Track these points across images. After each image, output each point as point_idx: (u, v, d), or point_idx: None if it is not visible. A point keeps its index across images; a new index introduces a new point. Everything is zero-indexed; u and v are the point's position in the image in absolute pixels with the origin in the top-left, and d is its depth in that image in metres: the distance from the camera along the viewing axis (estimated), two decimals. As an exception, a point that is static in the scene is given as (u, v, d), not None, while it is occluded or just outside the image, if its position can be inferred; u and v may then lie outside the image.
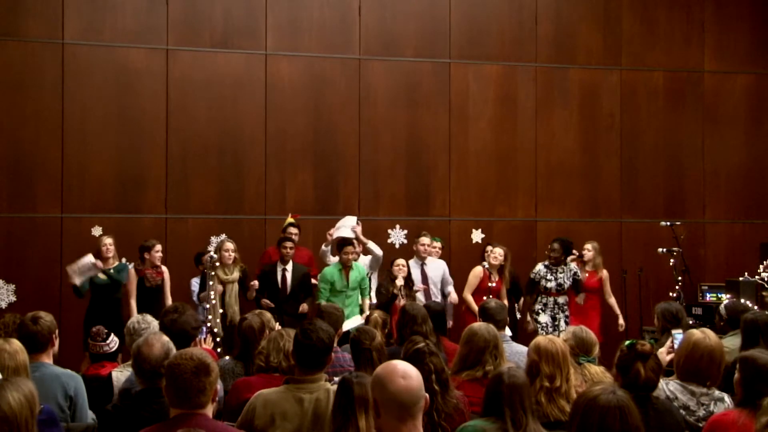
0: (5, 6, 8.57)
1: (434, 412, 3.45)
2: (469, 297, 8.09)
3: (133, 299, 7.67)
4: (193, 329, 4.22)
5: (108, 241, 7.63)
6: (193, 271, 8.35)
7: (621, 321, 8.42)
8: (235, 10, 9.12)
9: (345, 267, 7.71)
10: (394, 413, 2.64)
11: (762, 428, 2.97)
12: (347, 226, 8.04)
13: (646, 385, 3.54)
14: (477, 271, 8.14)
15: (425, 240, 8.28)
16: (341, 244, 7.82)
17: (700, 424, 3.68)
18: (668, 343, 4.22)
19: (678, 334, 4.30)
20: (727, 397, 3.87)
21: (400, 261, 7.80)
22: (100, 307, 7.47)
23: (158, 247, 7.76)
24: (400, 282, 7.64)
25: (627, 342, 3.68)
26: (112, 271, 7.56)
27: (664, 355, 4.00)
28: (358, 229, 8.03)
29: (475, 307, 7.80)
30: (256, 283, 7.82)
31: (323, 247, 8.21)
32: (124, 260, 8.09)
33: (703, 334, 3.93)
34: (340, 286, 7.65)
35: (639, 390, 3.50)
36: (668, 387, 3.80)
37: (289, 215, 8.49)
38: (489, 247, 8.32)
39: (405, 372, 2.70)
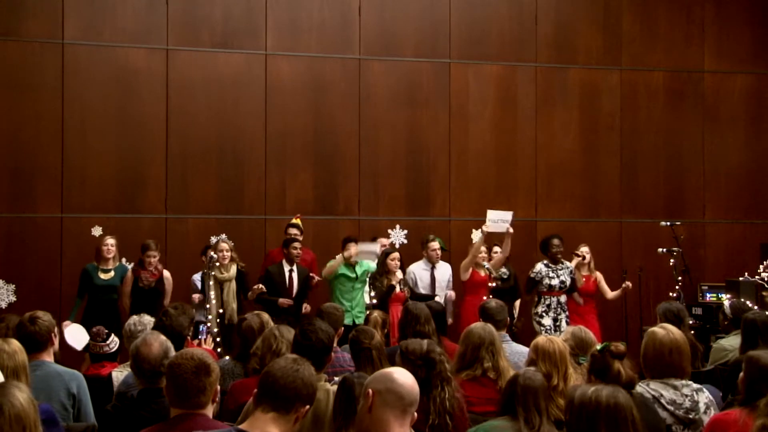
0: (5, 6, 8.57)
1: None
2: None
3: (126, 300, 7.51)
4: (187, 329, 4.23)
5: (110, 241, 7.57)
6: (194, 269, 8.32)
7: (627, 283, 8.11)
8: (235, 10, 9.12)
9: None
10: (392, 406, 2.64)
11: (759, 430, 2.97)
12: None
13: (630, 384, 3.49)
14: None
15: (436, 245, 8.24)
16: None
17: (690, 416, 3.67)
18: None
19: None
20: (704, 387, 3.86)
21: (396, 254, 7.78)
22: (98, 308, 7.42)
23: (151, 252, 7.54)
24: (399, 275, 7.64)
25: (600, 345, 3.65)
26: (113, 272, 7.54)
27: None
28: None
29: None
30: (261, 286, 7.62)
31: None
32: (124, 260, 8.10)
33: (665, 330, 3.87)
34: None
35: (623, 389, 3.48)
36: (650, 387, 3.75)
37: (295, 216, 8.45)
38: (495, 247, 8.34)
39: (408, 374, 2.77)
